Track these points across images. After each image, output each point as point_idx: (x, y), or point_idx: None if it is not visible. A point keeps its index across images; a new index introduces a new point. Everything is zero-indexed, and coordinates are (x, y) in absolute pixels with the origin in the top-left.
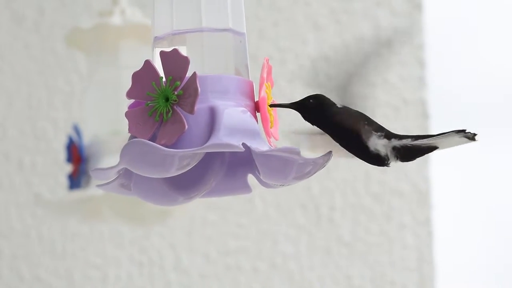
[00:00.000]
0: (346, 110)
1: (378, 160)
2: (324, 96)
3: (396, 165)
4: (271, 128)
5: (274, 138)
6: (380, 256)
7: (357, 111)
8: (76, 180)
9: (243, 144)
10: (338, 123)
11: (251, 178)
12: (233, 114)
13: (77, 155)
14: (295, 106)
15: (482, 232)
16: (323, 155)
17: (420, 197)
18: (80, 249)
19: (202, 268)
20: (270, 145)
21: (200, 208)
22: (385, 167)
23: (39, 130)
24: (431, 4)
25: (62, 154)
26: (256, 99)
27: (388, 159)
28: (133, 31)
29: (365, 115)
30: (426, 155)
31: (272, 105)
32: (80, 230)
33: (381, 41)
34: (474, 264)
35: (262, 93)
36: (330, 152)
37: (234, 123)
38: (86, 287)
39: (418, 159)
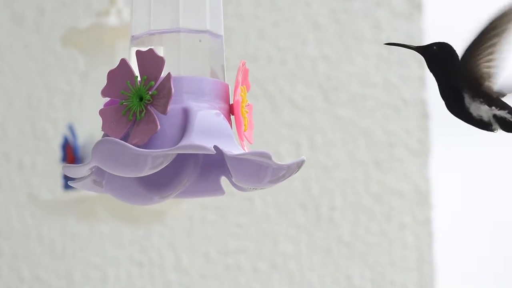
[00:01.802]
0: (461, 67)
1: (483, 125)
2: (449, 45)
3: (396, 165)
4: (245, 131)
5: (248, 141)
6: (380, 256)
7: (463, 75)
8: (70, 180)
9: (215, 147)
10: (449, 81)
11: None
12: (207, 116)
13: (72, 155)
14: (420, 49)
15: (482, 232)
16: (296, 161)
17: (420, 197)
18: (80, 249)
19: (202, 268)
20: (243, 148)
21: (200, 208)
22: (492, 132)
23: (39, 130)
24: (431, 4)
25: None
26: (231, 102)
27: (492, 125)
28: (129, 31)
29: (469, 80)
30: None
31: (396, 44)
32: (80, 230)
33: None
34: (474, 264)
35: (237, 96)
36: (303, 158)
37: (207, 125)
38: (86, 287)
39: (418, 159)
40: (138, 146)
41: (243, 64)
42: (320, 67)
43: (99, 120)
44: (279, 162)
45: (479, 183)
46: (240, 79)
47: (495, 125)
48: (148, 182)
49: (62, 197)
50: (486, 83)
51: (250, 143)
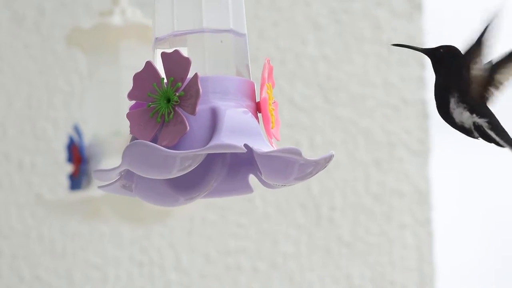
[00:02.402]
0: (454, 70)
1: (466, 131)
2: (456, 49)
3: (396, 165)
4: (272, 128)
5: (276, 138)
6: (380, 256)
7: (456, 76)
8: (76, 180)
9: (245, 145)
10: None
11: (252, 178)
12: (235, 115)
13: (78, 155)
14: (427, 51)
15: (482, 232)
16: (324, 156)
17: (420, 197)
18: (80, 249)
19: (202, 268)
20: (272, 145)
21: (200, 208)
22: (474, 139)
23: (39, 130)
24: (431, 4)
25: (62, 154)
26: (258, 99)
27: (473, 133)
28: (133, 31)
29: (461, 82)
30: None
31: (402, 45)
32: (80, 230)
33: None
34: (474, 264)
35: (263, 94)
36: (332, 152)
37: (236, 124)
38: (86, 287)
39: (418, 159)
40: (168, 148)
41: (268, 62)
42: (320, 67)
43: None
44: (307, 158)
45: (479, 183)
46: (265, 76)
47: (475, 133)
48: (176, 183)
49: (67, 197)
50: (476, 88)
51: (277, 140)
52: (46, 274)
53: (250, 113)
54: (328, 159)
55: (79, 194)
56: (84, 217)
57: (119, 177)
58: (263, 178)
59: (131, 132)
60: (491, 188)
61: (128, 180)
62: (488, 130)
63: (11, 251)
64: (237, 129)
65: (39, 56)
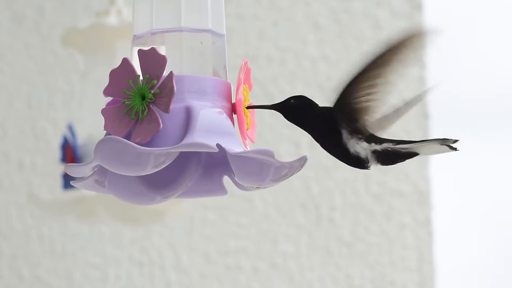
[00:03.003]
0: (327, 110)
1: (359, 162)
2: (306, 97)
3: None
4: (247, 130)
5: (251, 140)
6: (380, 256)
7: (341, 110)
8: (70, 179)
9: (218, 145)
10: (319, 124)
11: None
12: (209, 114)
13: (71, 155)
14: (276, 107)
15: (482, 232)
16: (299, 158)
17: (420, 197)
18: (80, 249)
19: (202, 268)
20: (246, 147)
21: (200, 208)
22: (366, 169)
23: (39, 130)
24: (431, 4)
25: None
26: (233, 100)
27: (368, 162)
28: (129, 31)
29: (347, 115)
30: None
31: (251, 107)
32: (80, 230)
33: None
34: (474, 264)
35: (239, 95)
36: (305, 156)
37: (210, 123)
38: (86, 287)
39: (418, 159)
40: (141, 145)
41: (245, 63)
42: (320, 67)
43: (99, 120)
44: (281, 160)
45: (479, 183)
46: (242, 77)
47: (372, 162)
48: (150, 181)
49: (62, 197)
50: (365, 118)
51: (253, 142)
52: (46, 274)
53: (225, 114)
54: (303, 162)
55: (72, 194)
56: (78, 217)
57: (92, 172)
58: (236, 179)
59: (105, 128)
60: (491, 188)
61: (101, 175)
62: (396, 146)
63: (11, 251)
64: (211, 129)
65: (39, 56)
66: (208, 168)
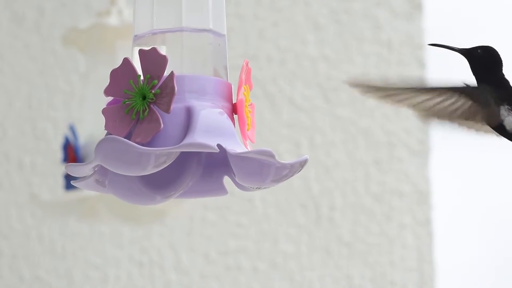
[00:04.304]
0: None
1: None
2: (494, 49)
3: (396, 165)
4: (248, 130)
5: (251, 140)
6: (380, 256)
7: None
8: (71, 179)
9: (218, 145)
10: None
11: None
12: (210, 115)
13: (73, 155)
14: (463, 51)
15: (482, 232)
16: (299, 160)
17: (420, 197)
18: (80, 249)
19: (202, 268)
20: (246, 147)
21: (200, 208)
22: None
23: (39, 130)
24: (431, 4)
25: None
26: (234, 101)
27: None
28: (130, 31)
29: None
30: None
31: (439, 45)
32: (80, 230)
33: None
34: (474, 264)
35: (240, 95)
36: (306, 157)
37: (210, 124)
38: (86, 287)
39: (418, 159)
40: (141, 145)
41: (246, 64)
42: (320, 67)
43: (100, 120)
44: (282, 161)
45: (479, 183)
46: (243, 78)
47: None
48: (151, 181)
49: (63, 197)
50: None
51: (253, 142)
52: (46, 274)
53: (226, 114)
54: (303, 162)
55: (74, 194)
56: (80, 217)
57: (92, 172)
58: (236, 179)
59: (106, 128)
60: (491, 188)
61: (102, 175)
62: None
63: (11, 251)
64: (212, 129)
65: (39, 56)
66: (208, 168)
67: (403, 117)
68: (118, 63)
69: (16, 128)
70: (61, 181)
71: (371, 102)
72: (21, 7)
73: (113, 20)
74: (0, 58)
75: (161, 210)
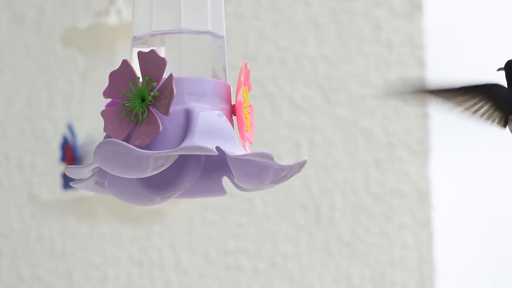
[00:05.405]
0: None
1: None
2: None
3: (396, 165)
4: (246, 132)
5: (250, 142)
6: (380, 256)
7: None
8: (69, 179)
9: (217, 148)
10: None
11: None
12: (209, 117)
13: (71, 155)
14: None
15: (482, 232)
16: (298, 162)
17: (420, 197)
18: (80, 249)
19: (202, 268)
20: (245, 149)
21: (200, 208)
22: None
23: (39, 130)
24: (431, 4)
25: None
26: (233, 102)
27: None
28: (129, 31)
29: None
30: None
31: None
32: (80, 230)
33: None
34: (474, 264)
35: (239, 97)
36: (305, 158)
37: (209, 126)
38: (86, 287)
39: (418, 159)
40: (140, 147)
41: (245, 65)
42: (320, 67)
43: (99, 120)
44: (281, 163)
45: (479, 183)
46: (242, 79)
47: None
48: (150, 182)
49: (61, 197)
50: None
51: (252, 144)
52: (46, 274)
53: (225, 116)
54: (302, 164)
55: (72, 194)
56: (78, 217)
57: (91, 174)
58: (235, 181)
59: (104, 130)
60: (491, 188)
61: (101, 177)
62: None
63: (11, 251)
64: (211, 131)
65: (39, 56)
66: (207, 169)
67: (403, 117)
68: (117, 63)
69: (16, 128)
70: (59, 181)
71: (371, 102)
72: (21, 7)
73: (112, 20)
74: (0, 58)
75: (161, 210)
